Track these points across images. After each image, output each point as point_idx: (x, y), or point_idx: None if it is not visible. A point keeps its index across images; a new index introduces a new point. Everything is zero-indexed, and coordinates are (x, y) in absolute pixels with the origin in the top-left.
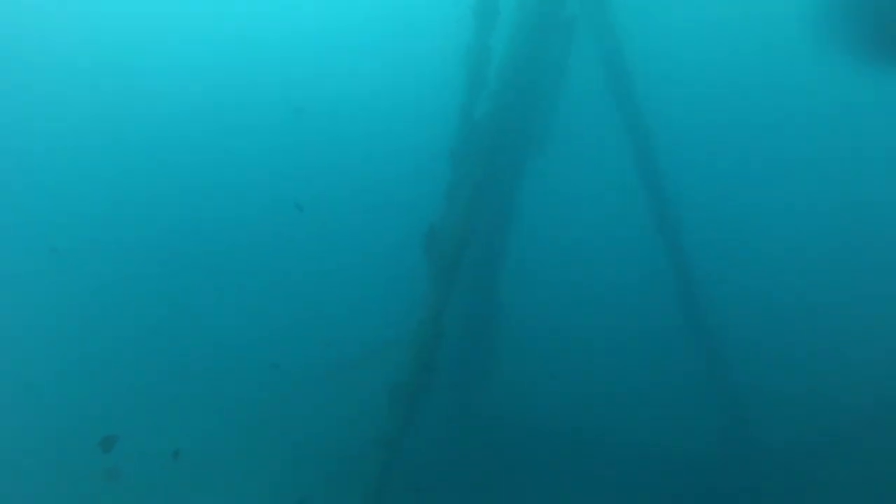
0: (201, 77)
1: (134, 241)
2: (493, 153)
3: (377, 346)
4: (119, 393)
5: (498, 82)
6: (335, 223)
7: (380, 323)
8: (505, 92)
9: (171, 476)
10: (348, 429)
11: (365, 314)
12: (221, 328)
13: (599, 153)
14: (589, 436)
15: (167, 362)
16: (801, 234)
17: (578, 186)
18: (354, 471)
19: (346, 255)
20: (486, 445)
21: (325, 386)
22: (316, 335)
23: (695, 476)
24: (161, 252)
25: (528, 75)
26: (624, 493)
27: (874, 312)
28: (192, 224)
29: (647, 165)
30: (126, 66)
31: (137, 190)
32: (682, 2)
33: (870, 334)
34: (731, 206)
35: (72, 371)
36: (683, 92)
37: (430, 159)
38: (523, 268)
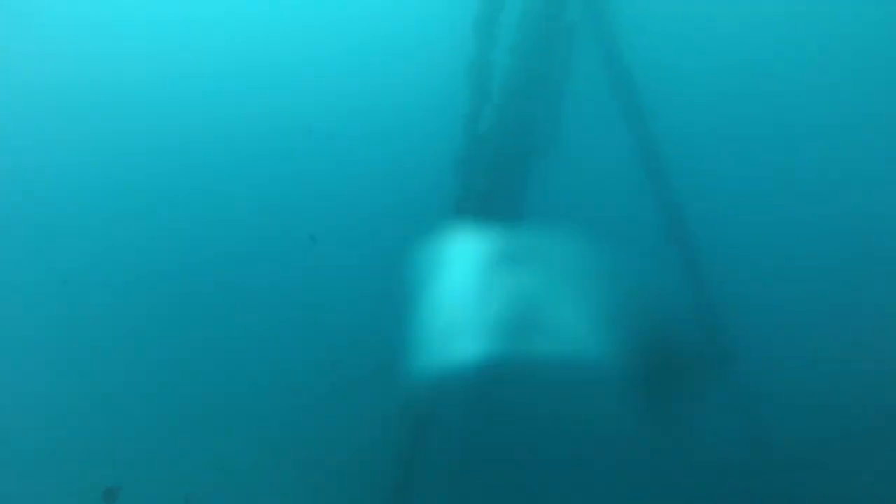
0: (203, 99)
1: (136, 274)
2: (500, 163)
3: (388, 362)
4: (121, 437)
5: (502, 94)
6: (344, 237)
7: (389, 337)
8: (509, 103)
9: None
10: (361, 450)
11: (374, 329)
12: (228, 353)
13: (606, 159)
14: (602, 439)
15: (172, 400)
16: (817, 242)
17: (586, 193)
18: (369, 492)
19: (355, 269)
20: (499, 457)
21: (336, 408)
22: (326, 356)
23: (710, 482)
24: (165, 287)
25: (531, 85)
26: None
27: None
28: (195, 257)
29: (654, 170)
30: (116, 92)
31: (139, 222)
32: (682, 5)
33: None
34: (740, 209)
35: (70, 416)
36: (687, 96)
37: (437, 172)
38: None
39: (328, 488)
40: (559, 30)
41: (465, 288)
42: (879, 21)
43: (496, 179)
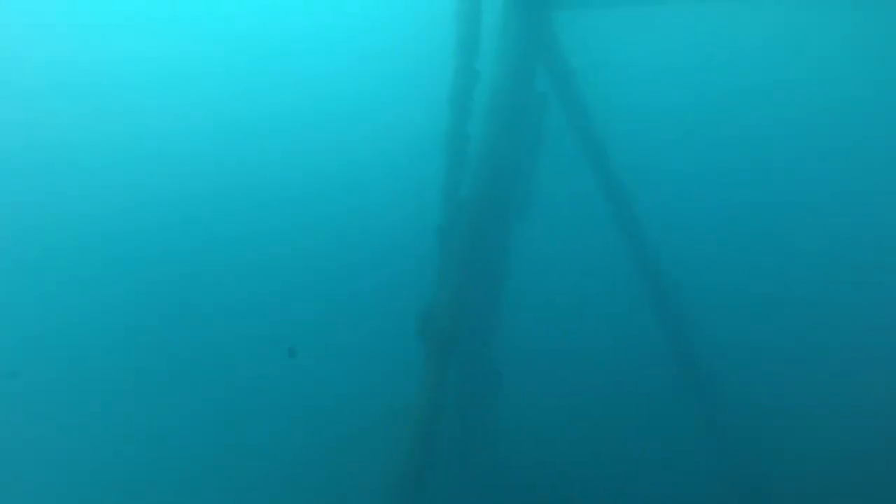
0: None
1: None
2: (478, 230)
3: (376, 431)
4: None
5: (479, 162)
6: (325, 309)
7: (378, 407)
8: (485, 171)
9: None
10: None
11: (362, 399)
12: (220, 417)
13: (581, 217)
14: (593, 498)
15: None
16: (803, 280)
17: (564, 252)
18: None
19: (339, 341)
20: None
21: (322, 480)
22: (313, 424)
23: None
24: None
25: (506, 153)
26: None
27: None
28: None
29: (627, 225)
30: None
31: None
32: (647, 72)
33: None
34: (714, 252)
35: None
36: (658, 160)
37: (418, 243)
38: (518, 336)
39: None
40: (531, 98)
41: None
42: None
43: (475, 246)
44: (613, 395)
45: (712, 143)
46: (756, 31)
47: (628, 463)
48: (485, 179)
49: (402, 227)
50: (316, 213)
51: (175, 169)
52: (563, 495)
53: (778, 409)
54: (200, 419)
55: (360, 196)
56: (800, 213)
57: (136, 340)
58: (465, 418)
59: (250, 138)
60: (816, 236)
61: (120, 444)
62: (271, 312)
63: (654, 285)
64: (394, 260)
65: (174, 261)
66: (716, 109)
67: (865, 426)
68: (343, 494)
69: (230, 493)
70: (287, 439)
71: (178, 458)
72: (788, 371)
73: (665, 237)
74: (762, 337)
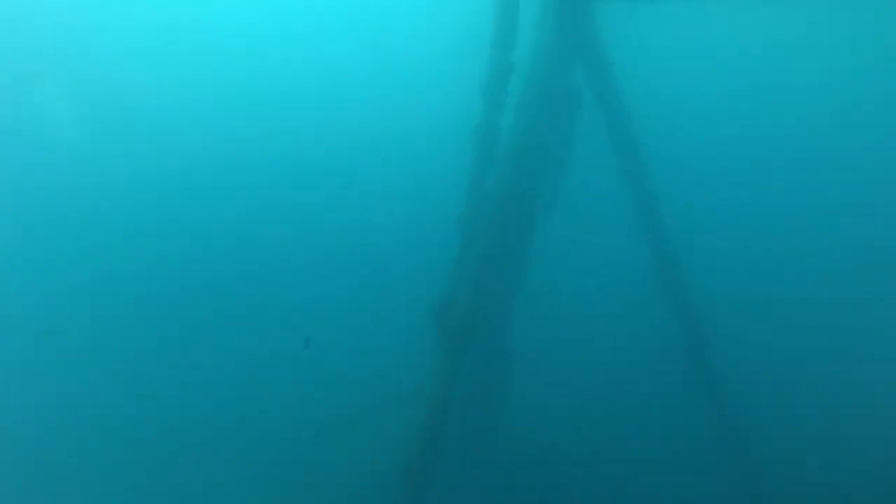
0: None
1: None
2: (502, 224)
3: (387, 421)
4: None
5: (507, 156)
6: (344, 298)
7: (390, 396)
8: (513, 164)
9: None
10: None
11: (377, 389)
12: (230, 392)
13: (606, 218)
14: (602, 494)
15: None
16: (819, 286)
17: (586, 251)
18: None
19: (355, 331)
20: None
21: (331, 472)
22: (328, 413)
23: None
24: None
25: (535, 147)
26: None
27: None
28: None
29: (652, 228)
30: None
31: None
32: (682, 65)
33: None
34: (738, 260)
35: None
36: (690, 159)
37: (439, 234)
38: (532, 332)
39: None
40: (565, 93)
41: None
42: None
43: (497, 239)
44: (626, 393)
45: (754, 141)
46: (801, 25)
47: (639, 462)
48: (511, 173)
49: (425, 218)
50: (337, 202)
51: (195, 158)
52: (572, 490)
53: (787, 411)
54: (209, 413)
55: (383, 186)
56: (831, 217)
57: (152, 331)
58: (477, 411)
59: (272, 127)
60: (834, 239)
61: (134, 430)
62: (289, 303)
63: (672, 287)
64: (414, 250)
65: (190, 251)
66: (759, 107)
67: (875, 427)
68: (352, 484)
69: (239, 485)
70: (300, 428)
71: (189, 450)
72: (804, 373)
73: (688, 238)
74: (776, 339)
